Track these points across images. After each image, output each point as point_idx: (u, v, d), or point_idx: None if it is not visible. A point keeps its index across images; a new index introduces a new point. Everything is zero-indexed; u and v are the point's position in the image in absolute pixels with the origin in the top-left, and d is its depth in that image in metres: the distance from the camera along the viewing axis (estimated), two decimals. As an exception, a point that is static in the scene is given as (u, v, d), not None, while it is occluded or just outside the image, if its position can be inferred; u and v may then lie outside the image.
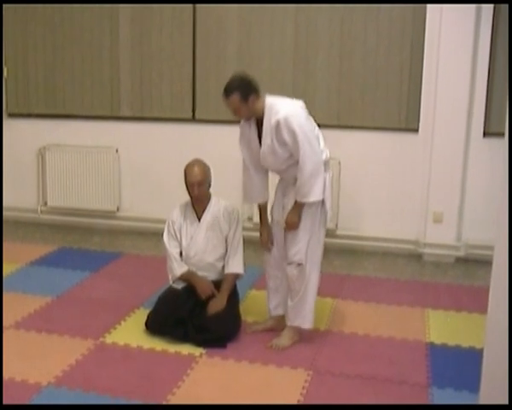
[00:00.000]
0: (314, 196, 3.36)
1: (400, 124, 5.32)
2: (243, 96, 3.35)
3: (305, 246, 3.49)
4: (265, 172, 3.65)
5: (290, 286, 3.60)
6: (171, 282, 3.84)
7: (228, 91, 3.37)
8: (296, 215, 3.43)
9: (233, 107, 3.39)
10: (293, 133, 3.30)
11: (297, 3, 5.31)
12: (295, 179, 3.43)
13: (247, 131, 3.54)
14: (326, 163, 3.45)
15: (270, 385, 3.21)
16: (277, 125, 3.32)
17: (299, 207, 3.42)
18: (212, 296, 3.74)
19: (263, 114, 3.40)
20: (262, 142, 3.44)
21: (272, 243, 3.67)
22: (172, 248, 3.81)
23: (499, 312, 2.00)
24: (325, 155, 3.44)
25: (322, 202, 3.45)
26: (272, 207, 3.72)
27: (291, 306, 3.63)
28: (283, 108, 3.35)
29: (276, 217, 3.66)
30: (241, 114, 3.44)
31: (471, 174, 5.23)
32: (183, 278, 3.79)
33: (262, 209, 3.71)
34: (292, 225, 3.45)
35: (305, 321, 3.63)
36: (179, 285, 3.80)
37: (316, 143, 3.37)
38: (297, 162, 3.37)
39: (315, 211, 3.46)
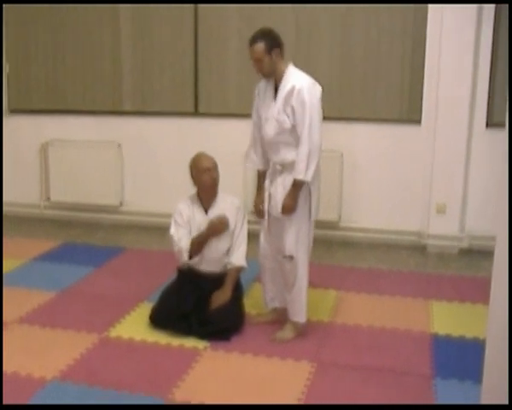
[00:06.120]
0: (308, 175, 3.34)
1: (402, 115, 5.30)
2: (267, 47, 3.34)
3: (295, 238, 3.48)
4: None
5: (285, 280, 3.61)
6: (181, 262, 3.81)
7: (254, 39, 3.37)
8: (291, 199, 3.40)
9: (256, 56, 3.37)
10: (302, 104, 3.29)
11: (297, 3, 5.29)
12: (281, 166, 3.45)
13: (263, 93, 3.53)
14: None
15: (275, 378, 3.22)
16: (291, 90, 3.32)
17: (294, 190, 3.39)
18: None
19: (282, 77, 3.40)
20: (273, 105, 3.42)
21: (263, 215, 3.62)
22: (180, 235, 3.74)
23: (501, 302, 2.00)
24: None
25: (309, 194, 3.45)
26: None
27: (289, 300, 3.64)
28: (305, 80, 3.37)
29: (266, 207, 3.62)
30: (263, 67, 3.40)
31: (474, 165, 5.22)
32: (193, 250, 3.73)
33: (261, 177, 3.68)
34: (288, 208, 3.42)
35: (302, 315, 3.64)
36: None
37: (318, 128, 3.34)
38: (290, 141, 3.38)
39: (303, 204, 3.45)
